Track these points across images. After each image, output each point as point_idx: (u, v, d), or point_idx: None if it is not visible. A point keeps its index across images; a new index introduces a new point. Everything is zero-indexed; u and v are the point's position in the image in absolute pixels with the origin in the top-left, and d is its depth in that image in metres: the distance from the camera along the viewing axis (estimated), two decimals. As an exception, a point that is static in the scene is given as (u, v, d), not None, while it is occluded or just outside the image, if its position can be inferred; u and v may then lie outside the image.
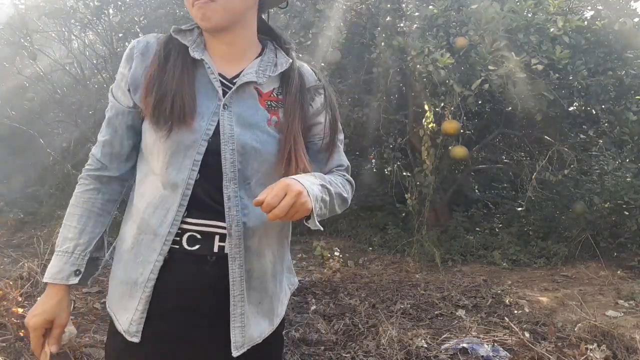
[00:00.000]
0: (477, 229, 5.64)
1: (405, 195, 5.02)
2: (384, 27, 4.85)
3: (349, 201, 1.14)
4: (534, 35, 4.00)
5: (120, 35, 6.14)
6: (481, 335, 2.87)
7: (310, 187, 0.94)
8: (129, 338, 0.99)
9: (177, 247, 1.00)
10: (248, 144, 1.00)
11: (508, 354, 2.63)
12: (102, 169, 1.09)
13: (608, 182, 5.05)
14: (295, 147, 1.03)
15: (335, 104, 1.15)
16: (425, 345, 2.73)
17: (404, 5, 4.98)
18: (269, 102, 1.06)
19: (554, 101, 4.40)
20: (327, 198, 1.01)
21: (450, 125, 4.31)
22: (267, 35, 1.14)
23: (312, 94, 1.11)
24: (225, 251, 1.00)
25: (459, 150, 4.54)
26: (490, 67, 3.93)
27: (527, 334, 2.83)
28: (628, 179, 4.84)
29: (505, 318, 3.11)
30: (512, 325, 2.91)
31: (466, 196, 6.48)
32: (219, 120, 1.00)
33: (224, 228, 1.00)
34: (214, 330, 1.02)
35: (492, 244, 5.10)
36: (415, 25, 4.70)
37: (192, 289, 1.00)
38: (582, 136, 5.26)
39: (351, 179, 1.19)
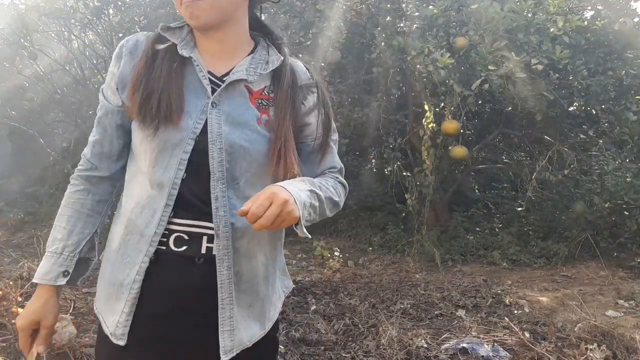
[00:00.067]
0: (477, 229, 5.64)
1: (405, 195, 5.02)
2: (384, 27, 4.85)
3: (341, 204, 1.11)
4: (534, 35, 4.00)
5: (120, 35, 6.14)
6: (481, 335, 2.87)
7: (298, 194, 0.92)
8: (114, 341, 0.97)
9: (164, 248, 0.98)
10: (236, 143, 0.98)
11: (508, 354, 2.63)
12: (92, 169, 1.08)
13: (608, 182, 5.05)
14: (285, 145, 1.01)
15: (328, 102, 1.13)
16: (425, 345, 2.72)
17: (404, 5, 4.99)
18: (259, 101, 1.03)
19: (554, 101, 4.41)
20: (317, 203, 0.99)
21: (450, 125, 4.32)
22: (260, 32, 1.12)
23: (305, 92, 1.09)
24: (214, 252, 0.98)
25: (459, 150, 4.54)
26: (490, 67, 3.93)
27: (527, 334, 2.83)
28: (628, 179, 4.84)
29: (505, 318, 3.10)
30: (512, 325, 2.91)
31: (466, 196, 6.48)
32: (207, 119, 0.98)
33: (212, 229, 0.97)
34: (203, 333, 1.00)
35: (492, 244, 5.10)
36: (415, 25, 4.70)
37: (180, 291, 0.98)
38: (582, 136, 5.26)
39: (344, 181, 1.16)
